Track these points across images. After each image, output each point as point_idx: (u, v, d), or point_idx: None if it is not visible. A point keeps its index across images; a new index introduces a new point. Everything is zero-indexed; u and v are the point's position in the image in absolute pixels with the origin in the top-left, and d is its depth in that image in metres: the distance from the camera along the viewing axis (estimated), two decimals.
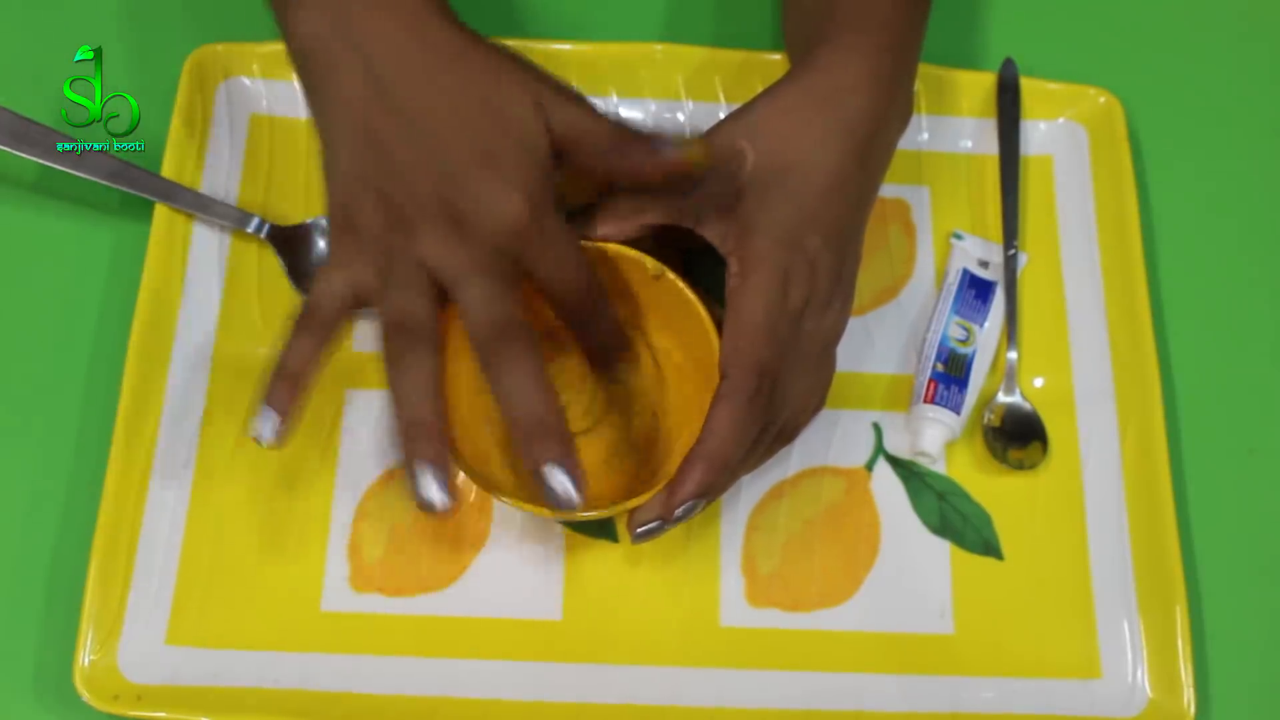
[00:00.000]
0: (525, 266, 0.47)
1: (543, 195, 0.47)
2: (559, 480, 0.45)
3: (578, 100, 0.48)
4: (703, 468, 0.47)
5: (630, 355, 0.55)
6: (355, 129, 0.47)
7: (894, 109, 0.52)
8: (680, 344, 0.54)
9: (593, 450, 0.55)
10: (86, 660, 0.51)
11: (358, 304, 0.48)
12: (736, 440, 0.47)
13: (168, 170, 0.58)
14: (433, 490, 0.45)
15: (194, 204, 0.58)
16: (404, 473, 0.46)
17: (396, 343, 0.47)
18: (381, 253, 0.47)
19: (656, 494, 0.48)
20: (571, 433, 0.46)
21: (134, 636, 0.52)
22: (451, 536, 0.55)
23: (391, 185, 0.46)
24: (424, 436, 0.46)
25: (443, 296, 0.47)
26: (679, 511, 0.47)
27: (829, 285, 0.49)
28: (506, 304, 0.47)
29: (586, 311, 0.50)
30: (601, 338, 0.52)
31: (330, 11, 0.47)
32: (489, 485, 0.49)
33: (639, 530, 0.49)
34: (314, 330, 0.48)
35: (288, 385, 0.47)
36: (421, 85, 0.46)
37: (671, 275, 0.52)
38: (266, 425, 0.47)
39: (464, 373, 0.53)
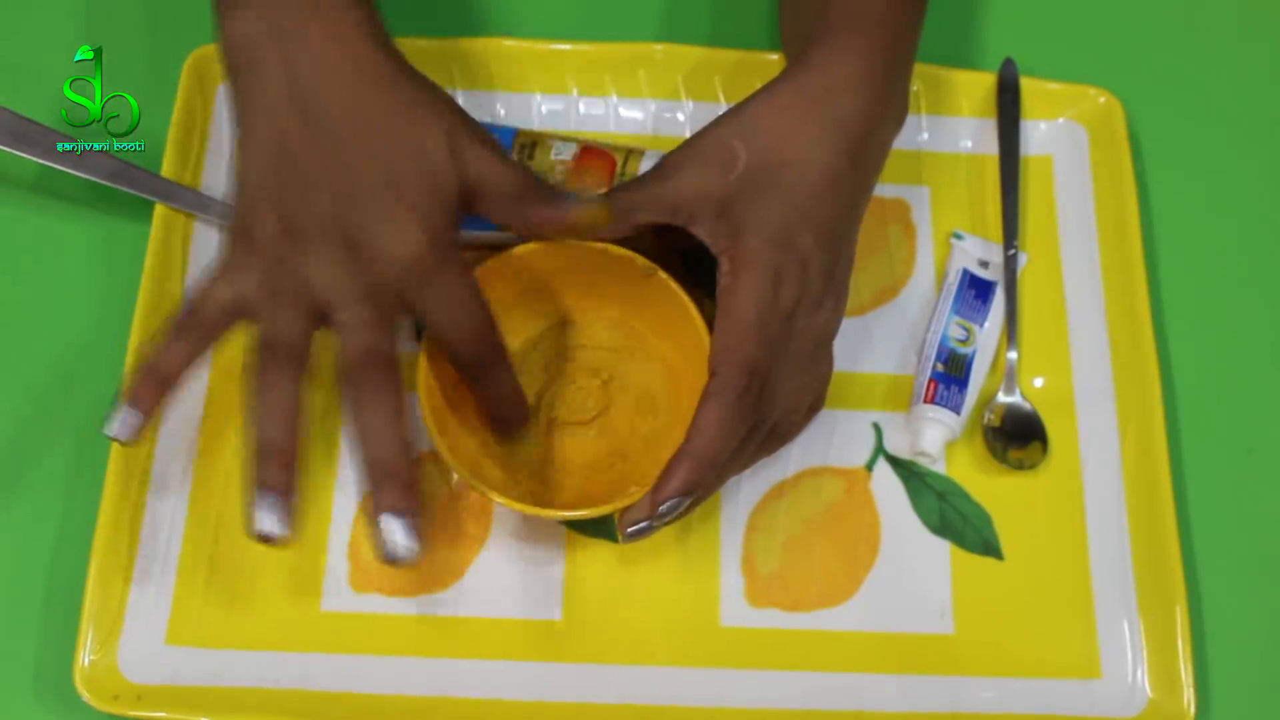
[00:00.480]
0: (413, 305, 0.47)
1: (442, 233, 0.47)
2: (393, 530, 0.46)
3: (491, 145, 0.49)
4: (689, 466, 0.47)
5: (529, 426, 0.54)
6: (270, 137, 0.47)
7: (889, 109, 0.52)
8: (672, 343, 0.54)
9: (587, 449, 0.55)
10: (86, 660, 0.51)
11: (239, 314, 0.48)
12: (724, 438, 0.47)
13: (168, 170, 0.59)
14: (270, 522, 0.46)
15: (194, 204, 0.58)
16: (244, 498, 0.46)
17: (263, 362, 0.47)
18: (270, 266, 0.47)
19: (646, 494, 0.48)
20: (417, 481, 0.46)
21: (134, 636, 0.52)
22: (451, 537, 0.55)
23: (294, 199, 0.46)
24: (274, 463, 0.46)
25: (323, 321, 0.47)
26: (664, 508, 0.47)
27: (821, 284, 0.49)
28: (378, 335, 0.47)
29: (479, 365, 0.50)
30: (495, 399, 0.51)
31: (266, 16, 0.46)
32: (484, 485, 0.49)
33: (628, 530, 0.48)
34: (191, 334, 0.48)
35: (154, 386, 0.47)
36: (341, 104, 0.46)
37: (663, 274, 0.52)
38: (125, 423, 0.47)
39: (451, 375, 0.53)
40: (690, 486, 0.47)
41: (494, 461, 0.54)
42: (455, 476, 0.55)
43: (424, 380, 0.51)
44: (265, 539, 0.46)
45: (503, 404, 0.52)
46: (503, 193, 0.48)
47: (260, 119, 0.47)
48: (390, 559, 0.46)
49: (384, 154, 0.46)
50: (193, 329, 0.48)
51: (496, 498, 0.49)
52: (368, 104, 0.46)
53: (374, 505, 0.46)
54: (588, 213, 0.49)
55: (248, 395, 0.47)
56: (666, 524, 0.48)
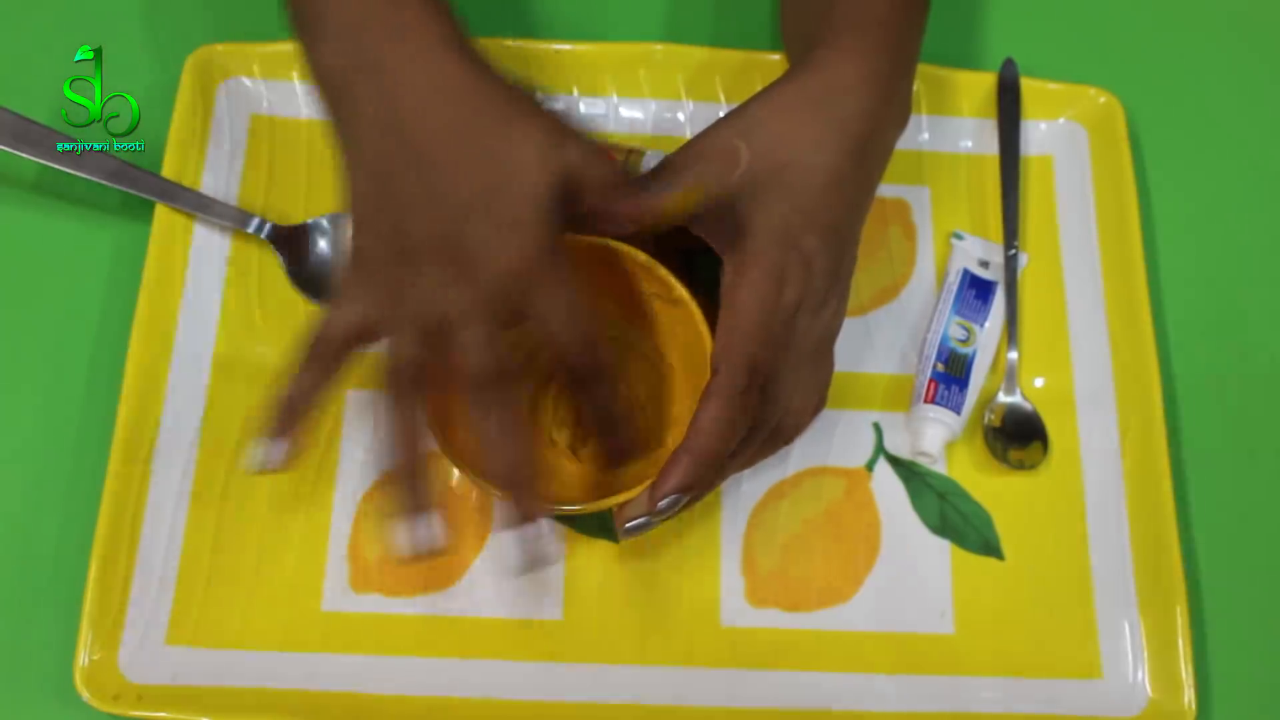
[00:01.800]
0: (526, 313, 0.47)
1: (545, 240, 0.46)
2: (536, 538, 0.46)
3: (584, 142, 0.48)
4: (687, 463, 0.47)
5: (633, 435, 0.53)
6: (371, 162, 0.47)
7: (891, 110, 0.52)
8: (673, 340, 0.54)
9: (587, 445, 0.55)
10: (86, 660, 0.51)
11: (364, 338, 0.48)
12: (722, 437, 0.47)
13: (168, 170, 0.58)
14: (427, 539, 0.47)
15: (194, 204, 0.58)
16: (390, 516, 0.47)
17: (389, 388, 0.47)
18: (387, 289, 0.47)
19: (644, 490, 0.48)
20: (537, 485, 0.47)
21: (134, 636, 0.52)
22: (451, 536, 0.55)
23: (399, 221, 0.46)
24: (411, 487, 0.47)
25: (442, 339, 0.47)
26: (662, 505, 0.47)
27: (824, 284, 0.49)
28: (496, 351, 0.47)
29: (585, 367, 0.49)
30: (601, 413, 0.51)
31: (351, 42, 0.47)
32: (485, 482, 0.49)
33: (626, 526, 0.49)
34: (317, 364, 0.48)
35: (290, 418, 0.48)
36: (434, 124, 0.46)
37: (663, 270, 0.52)
38: (269, 455, 0.48)
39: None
40: (688, 484, 0.47)
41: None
42: (455, 475, 0.55)
43: None
44: (424, 554, 0.47)
45: (607, 419, 0.52)
46: (599, 189, 0.48)
47: (360, 146, 0.47)
48: (534, 567, 0.47)
49: (481, 168, 0.46)
50: (319, 359, 0.48)
51: (497, 494, 0.49)
52: (460, 121, 0.46)
53: (506, 515, 0.47)
54: (683, 199, 0.49)
55: (376, 418, 0.48)
56: (664, 520, 0.48)
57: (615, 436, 0.52)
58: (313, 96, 0.49)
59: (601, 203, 0.48)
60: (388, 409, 0.47)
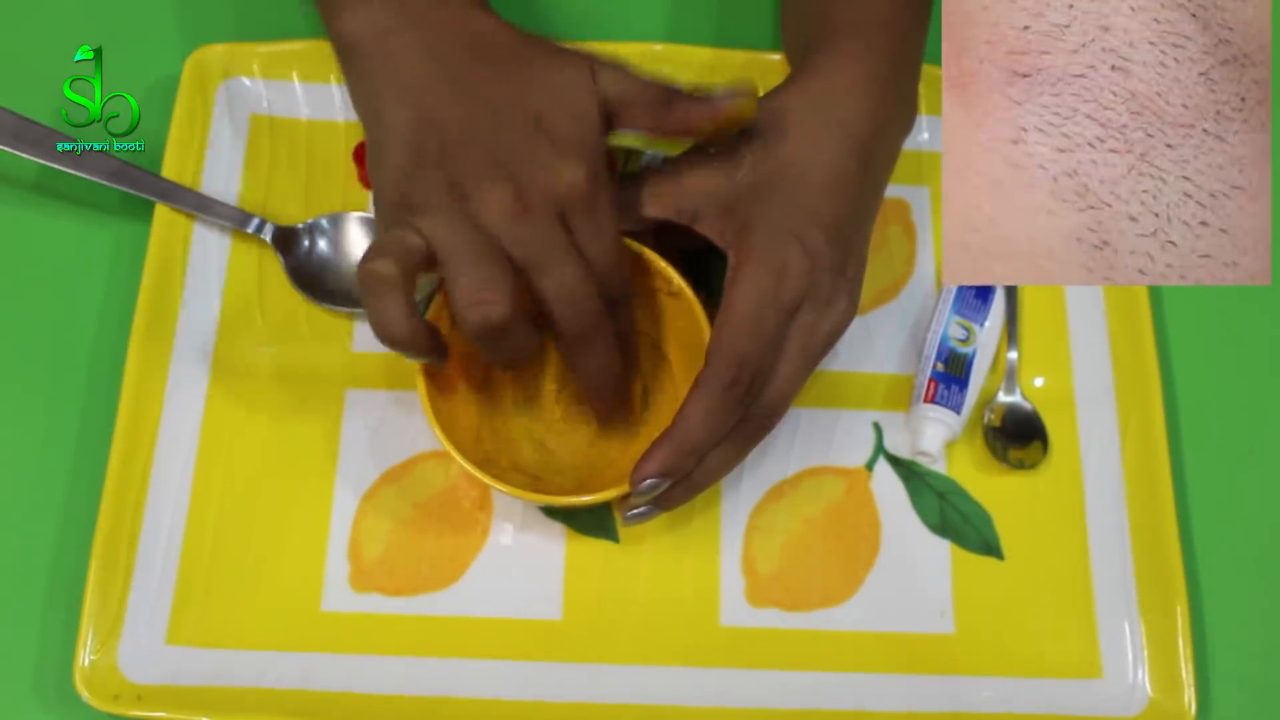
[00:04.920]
0: (575, 235, 0.47)
1: (596, 162, 0.47)
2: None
3: (626, 68, 0.49)
4: (668, 449, 0.48)
5: (636, 362, 0.55)
6: (413, 113, 0.47)
7: (894, 111, 0.52)
8: (674, 333, 0.54)
9: (588, 443, 0.55)
10: (86, 660, 0.51)
11: (430, 260, 0.46)
12: (705, 428, 0.48)
13: (168, 170, 0.59)
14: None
15: (194, 204, 0.58)
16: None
17: (497, 329, 0.46)
18: (447, 219, 0.46)
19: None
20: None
21: (134, 636, 0.52)
22: (451, 536, 0.55)
23: (452, 161, 0.46)
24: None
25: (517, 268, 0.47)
26: (643, 486, 0.48)
27: (830, 280, 0.49)
28: (590, 288, 0.47)
29: (614, 291, 0.49)
30: (621, 325, 0.51)
31: (392, 7, 0.48)
32: (483, 473, 0.49)
33: (628, 515, 0.50)
34: (394, 293, 0.45)
35: (408, 342, 0.46)
36: (481, 64, 0.48)
37: (663, 263, 0.52)
38: (424, 364, 0.50)
39: (455, 355, 0.53)
40: (667, 470, 0.48)
41: (489, 447, 0.53)
42: (454, 468, 0.56)
43: (422, 368, 0.51)
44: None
45: (625, 344, 0.52)
46: (649, 100, 0.49)
47: (400, 99, 0.47)
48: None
49: (532, 102, 0.47)
50: (392, 289, 0.45)
51: (495, 484, 0.49)
52: (507, 61, 0.48)
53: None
54: (740, 105, 0.49)
55: (489, 357, 0.49)
56: (657, 502, 0.50)
57: (627, 360, 0.53)
58: (316, 87, 0.48)
59: (652, 115, 0.49)
60: (494, 347, 0.47)
